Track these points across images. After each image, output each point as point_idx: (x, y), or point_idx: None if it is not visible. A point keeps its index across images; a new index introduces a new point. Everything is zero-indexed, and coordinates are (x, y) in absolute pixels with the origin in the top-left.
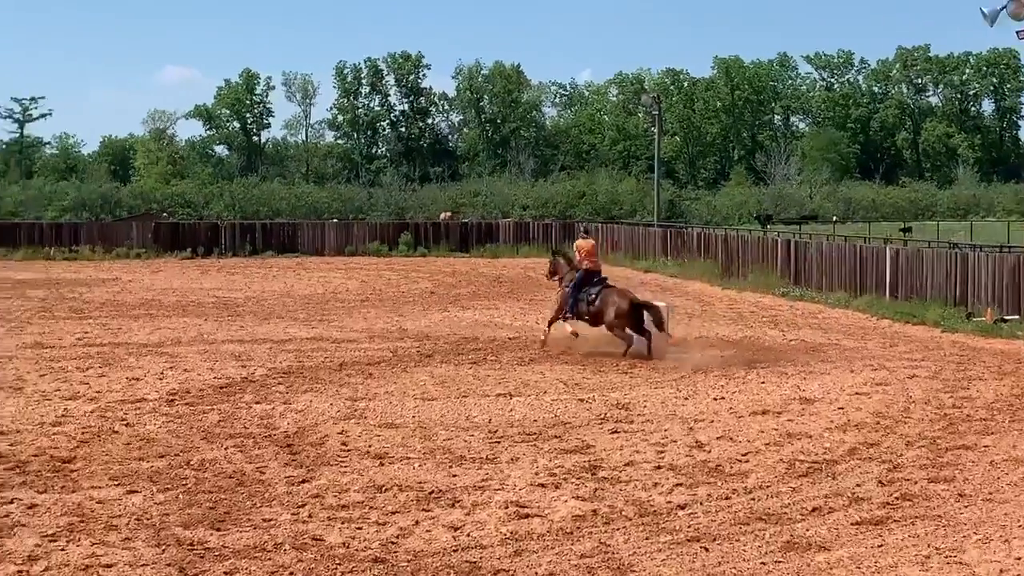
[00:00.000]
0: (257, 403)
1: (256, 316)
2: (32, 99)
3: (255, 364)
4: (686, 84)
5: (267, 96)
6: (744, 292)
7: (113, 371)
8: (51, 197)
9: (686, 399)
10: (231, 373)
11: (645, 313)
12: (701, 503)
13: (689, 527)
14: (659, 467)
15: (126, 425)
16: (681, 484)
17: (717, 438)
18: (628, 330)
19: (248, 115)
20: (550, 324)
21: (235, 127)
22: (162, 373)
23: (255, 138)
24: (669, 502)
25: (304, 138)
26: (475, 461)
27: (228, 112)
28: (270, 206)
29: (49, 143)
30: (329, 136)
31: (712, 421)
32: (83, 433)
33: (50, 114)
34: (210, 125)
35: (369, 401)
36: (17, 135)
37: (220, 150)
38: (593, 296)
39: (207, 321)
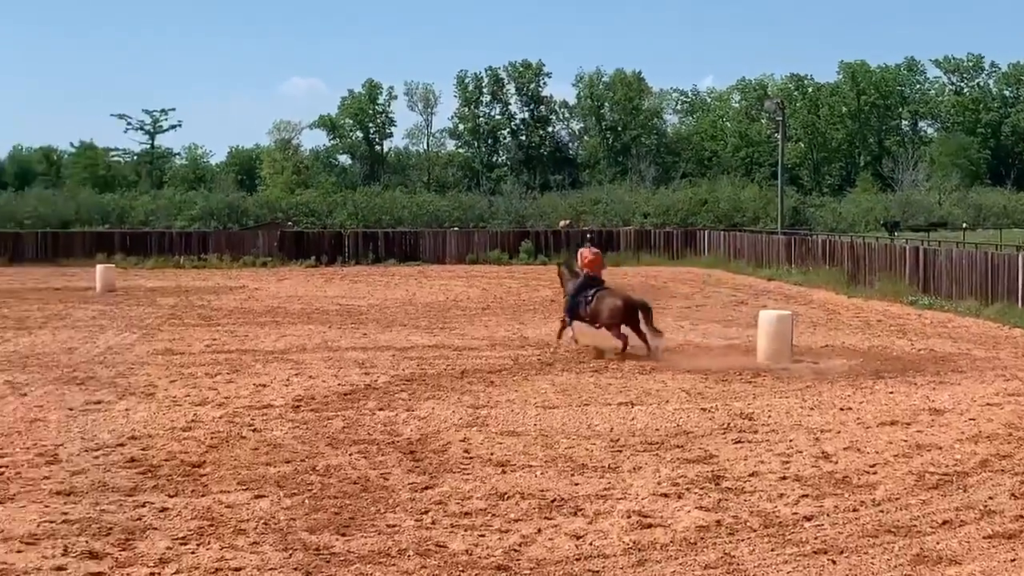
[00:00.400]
0: (380, 410)
1: (379, 324)
2: (162, 111)
3: (378, 371)
4: (810, 90)
5: (389, 106)
6: (871, 300)
7: (241, 377)
8: (180, 207)
9: (811, 409)
10: (355, 380)
11: (641, 314)
12: (828, 515)
13: (816, 539)
14: (784, 478)
15: (253, 431)
16: (807, 495)
17: (844, 449)
18: (624, 328)
19: (371, 124)
20: (559, 334)
21: (358, 136)
22: (288, 380)
23: (377, 147)
24: (795, 513)
25: (425, 147)
26: (597, 470)
27: (351, 122)
28: (392, 215)
29: (178, 154)
30: (450, 145)
31: (839, 432)
32: (212, 438)
33: (179, 125)
34: (334, 135)
35: (491, 409)
36: (148, 146)
37: (343, 159)
38: (590, 297)
39: (331, 328)
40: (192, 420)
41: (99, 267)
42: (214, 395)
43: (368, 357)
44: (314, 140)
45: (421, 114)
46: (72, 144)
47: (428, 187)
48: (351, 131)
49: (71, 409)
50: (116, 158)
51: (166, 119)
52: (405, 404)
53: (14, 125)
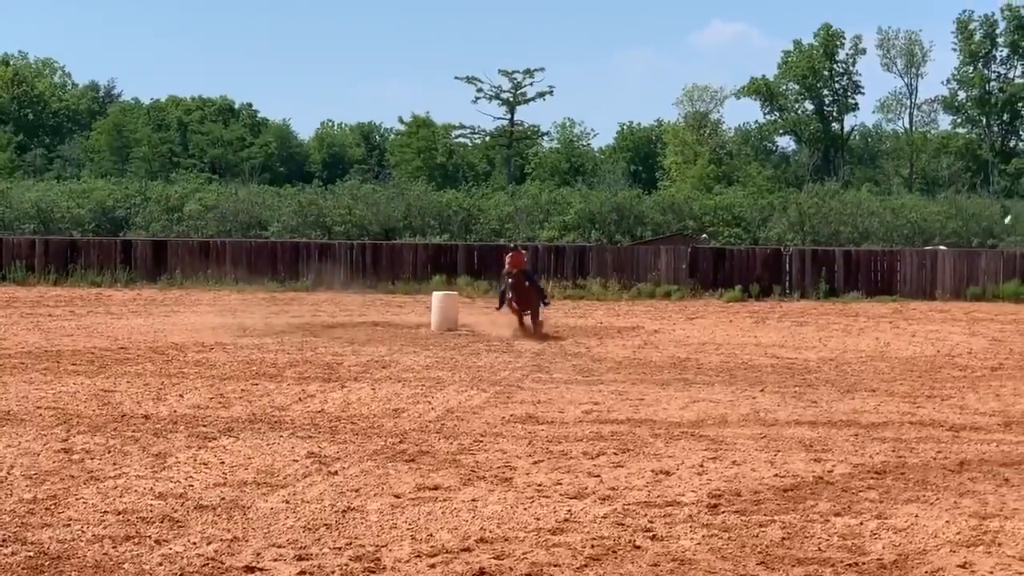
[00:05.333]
0: (837, 515)
1: (835, 387)
2: (526, 72)
3: (833, 458)
4: None
5: (853, 64)
6: None
7: (633, 460)
8: (549, 209)
9: None
10: (799, 469)
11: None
12: None
13: None
14: None
15: (651, 538)
16: None
17: None
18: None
19: (825, 92)
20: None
21: (807, 109)
22: (701, 465)
23: (835, 126)
24: None
25: (907, 125)
26: None
27: (797, 88)
28: (855, 226)
29: (547, 134)
30: (944, 122)
31: None
32: (593, 546)
33: (550, 93)
34: (771, 107)
35: (1005, 520)
36: (506, 122)
37: (784, 143)
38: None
39: (764, 392)
40: (565, 519)
41: (436, 295)
42: (595, 484)
43: (819, 436)
44: (741, 114)
45: (901, 76)
46: (400, 120)
47: (910, 186)
48: (796, 101)
49: (398, 496)
50: (461, 139)
51: (531, 84)
52: (873, 508)
53: (321, 94)
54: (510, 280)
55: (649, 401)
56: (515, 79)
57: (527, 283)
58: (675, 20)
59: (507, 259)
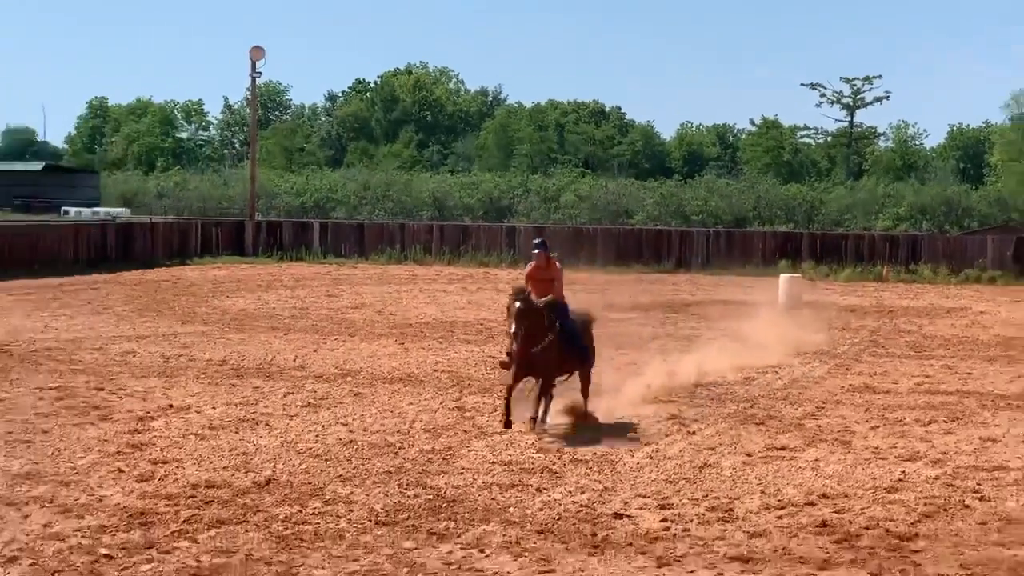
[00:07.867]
0: None
1: None
2: (866, 79)
3: None
4: None
5: None
6: None
7: (962, 428)
8: (884, 202)
9: None
10: None
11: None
12: None
13: None
14: None
15: (980, 499)
16: None
17: None
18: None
19: None
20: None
21: None
22: None
23: None
24: None
25: None
26: None
27: None
28: None
29: (884, 134)
30: None
31: None
32: (926, 504)
33: (887, 97)
34: None
35: None
36: (846, 124)
37: None
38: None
39: None
40: (899, 479)
41: (783, 277)
42: (927, 449)
43: None
44: None
45: None
46: (752, 121)
47: None
48: None
49: (748, 455)
50: (805, 139)
51: (870, 89)
52: None
53: (681, 98)
54: (515, 308)
55: (976, 375)
56: (855, 85)
57: (545, 327)
58: (1000, 27)
59: (527, 269)
